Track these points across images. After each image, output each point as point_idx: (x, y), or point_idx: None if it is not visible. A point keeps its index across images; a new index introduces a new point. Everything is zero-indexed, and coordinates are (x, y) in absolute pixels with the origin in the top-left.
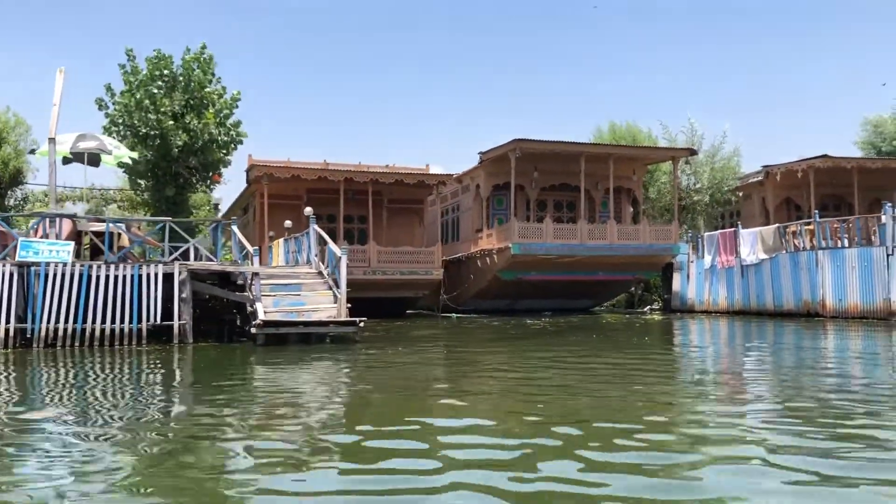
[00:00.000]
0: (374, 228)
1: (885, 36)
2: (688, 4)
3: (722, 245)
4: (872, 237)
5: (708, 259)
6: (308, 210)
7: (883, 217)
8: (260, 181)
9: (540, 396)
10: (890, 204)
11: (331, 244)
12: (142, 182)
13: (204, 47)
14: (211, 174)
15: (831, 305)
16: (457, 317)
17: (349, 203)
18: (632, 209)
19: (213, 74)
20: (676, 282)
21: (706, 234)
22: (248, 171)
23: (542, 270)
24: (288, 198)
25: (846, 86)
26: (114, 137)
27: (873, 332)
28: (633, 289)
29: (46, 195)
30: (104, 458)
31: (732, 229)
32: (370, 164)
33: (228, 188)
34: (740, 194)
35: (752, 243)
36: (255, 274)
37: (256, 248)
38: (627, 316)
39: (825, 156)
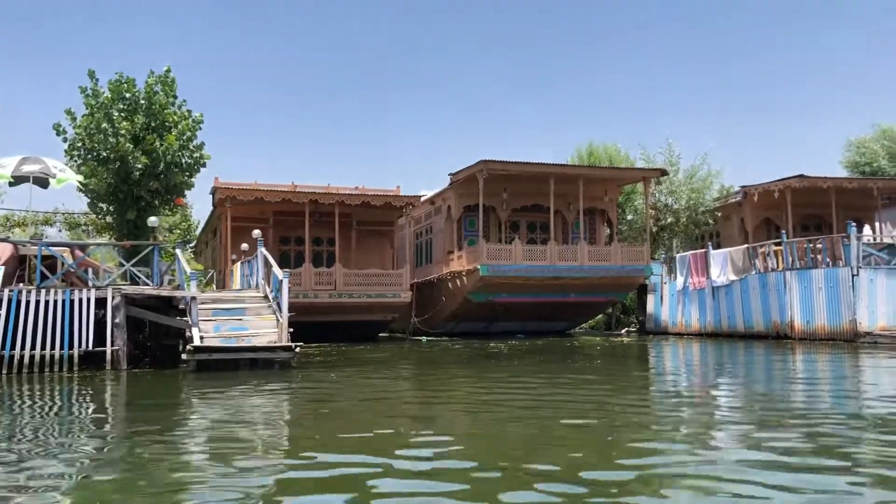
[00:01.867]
0: (342, 251)
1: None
2: (675, 25)
3: (693, 266)
4: (839, 258)
5: (680, 280)
6: (256, 233)
7: (848, 237)
8: (224, 204)
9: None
10: (854, 224)
11: (275, 267)
12: (103, 206)
13: (168, 70)
14: (173, 197)
15: (800, 327)
16: (426, 340)
17: (317, 225)
18: (607, 230)
19: (174, 97)
20: (650, 304)
21: (678, 255)
22: (212, 193)
23: (513, 292)
24: (254, 220)
25: (836, 104)
26: (74, 161)
27: (840, 355)
28: (610, 310)
29: (8, 219)
30: None
31: (703, 250)
32: (338, 187)
33: (201, 211)
34: (719, 215)
35: (722, 264)
36: (193, 298)
37: (209, 271)
38: (598, 338)
39: (801, 175)
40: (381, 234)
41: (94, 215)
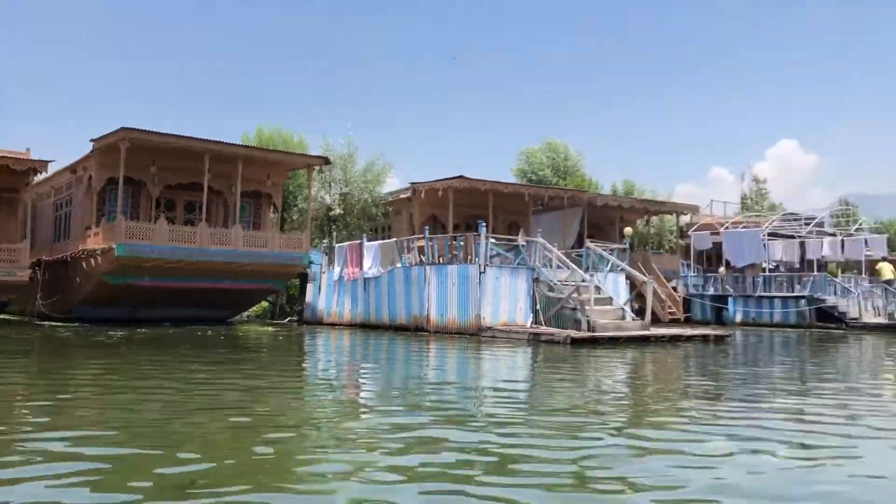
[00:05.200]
0: None
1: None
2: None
3: (349, 257)
4: (472, 255)
5: (337, 270)
6: None
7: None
8: None
9: None
10: (484, 223)
11: None
12: None
13: None
14: None
15: (435, 320)
16: (49, 325)
17: None
18: (274, 215)
19: None
20: (310, 293)
21: (336, 245)
22: None
23: (158, 276)
24: None
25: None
26: None
27: (465, 349)
28: (276, 298)
29: None
30: None
31: (358, 241)
32: None
33: None
34: (390, 209)
35: (374, 256)
36: None
37: None
38: (246, 327)
39: (462, 176)
40: (2, 202)
41: None
